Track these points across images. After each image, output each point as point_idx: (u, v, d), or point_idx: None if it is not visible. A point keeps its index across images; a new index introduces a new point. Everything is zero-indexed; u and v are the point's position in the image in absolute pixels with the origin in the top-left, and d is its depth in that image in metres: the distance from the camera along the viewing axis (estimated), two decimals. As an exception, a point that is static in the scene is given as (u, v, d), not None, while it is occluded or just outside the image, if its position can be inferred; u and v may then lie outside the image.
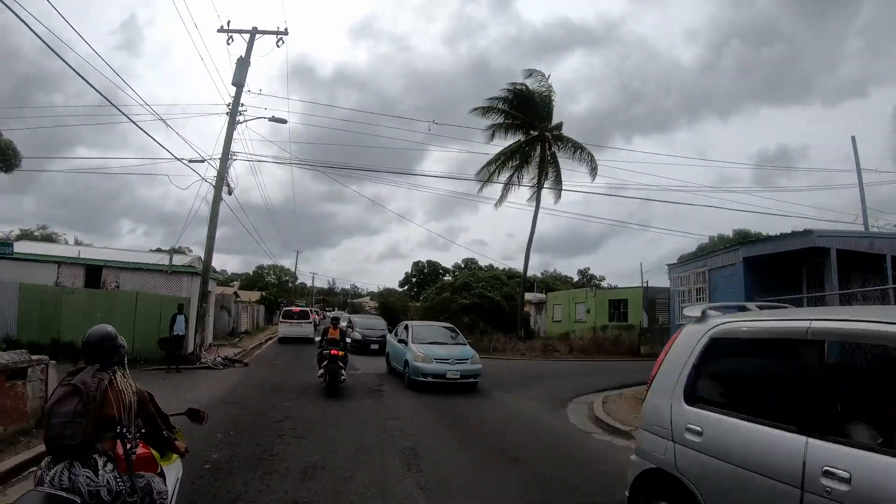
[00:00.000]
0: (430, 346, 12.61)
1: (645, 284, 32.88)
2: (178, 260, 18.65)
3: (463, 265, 70.31)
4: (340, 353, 11.17)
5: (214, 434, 6.73)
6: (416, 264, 72.86)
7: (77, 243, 35.04)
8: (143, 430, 3.06)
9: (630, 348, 25.59)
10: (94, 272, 16.84)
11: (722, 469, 2.90)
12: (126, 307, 15.04)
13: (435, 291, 31.96)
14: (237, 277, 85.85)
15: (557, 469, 6.26)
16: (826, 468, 2.34)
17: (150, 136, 18.52)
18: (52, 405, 2.56)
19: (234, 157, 17.29)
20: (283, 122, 18.31)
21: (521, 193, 29.96)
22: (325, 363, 11.09)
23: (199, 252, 17.14)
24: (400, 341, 13.70)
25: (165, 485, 3.05)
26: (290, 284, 72.62)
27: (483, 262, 62.76)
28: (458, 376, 11.81)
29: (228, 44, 17.03)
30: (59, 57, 10.53)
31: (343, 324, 25.44)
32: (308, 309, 31.54)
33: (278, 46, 17.90)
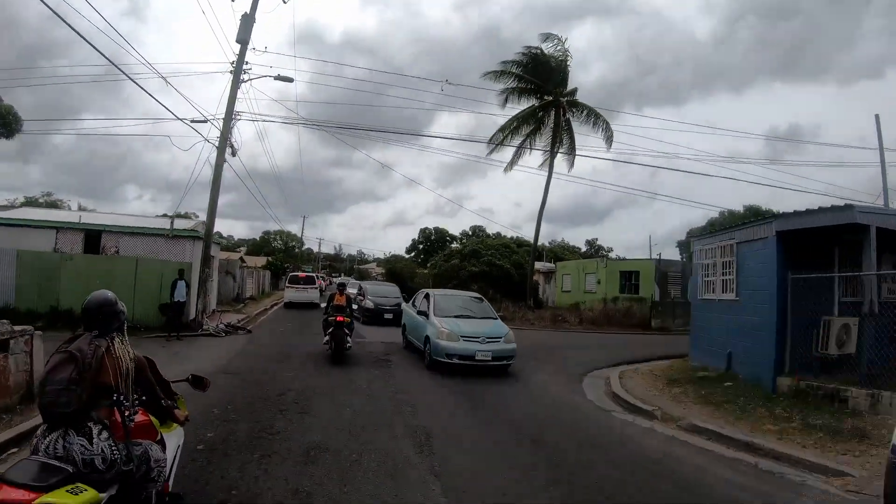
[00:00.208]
0: (455, 320, 10.85)
1: (657, 257, 32.27)
2: (183, 225, 18.10)
3: (470, 232, 69.75)
4: (346, 319, 10.98)
5: (211, 409, 6.25)
6: (423, 231, 72.37)
7: (80, 209, 34.50)
8: (142, 398, 3.01)
9: (641, 321, 25.09)
10: (93, 237, 16.29)
11: None
12: (126, 273, 14.58)
13: (443, 258, 31.40)
14: (244, 243, 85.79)
15: (583, 453, 5.78)
16: None
17: (151, 94, 17.83)
18: (46, 373, 2.52)
19: (238, 117, 16.56)
20: (289, 80, 17.46)
21: (531, 160, 29.10)
22: (330, 330, 10.91)
23: (205, 217, 16.62)
24: (420, 313, 11.88)
25: (165, 453, 3.02)
26: (296, 250, 72.36)
27: (491, 230, 62.18)
28: (490, 358, 10.08)
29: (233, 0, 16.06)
30: (64, 21, 9.68)
31: (351, 290, 24.90)
32: (314, 274, 31.76)
33: (285, 2, 16.98)
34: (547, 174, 27.51)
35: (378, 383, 8.81)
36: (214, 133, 15.99)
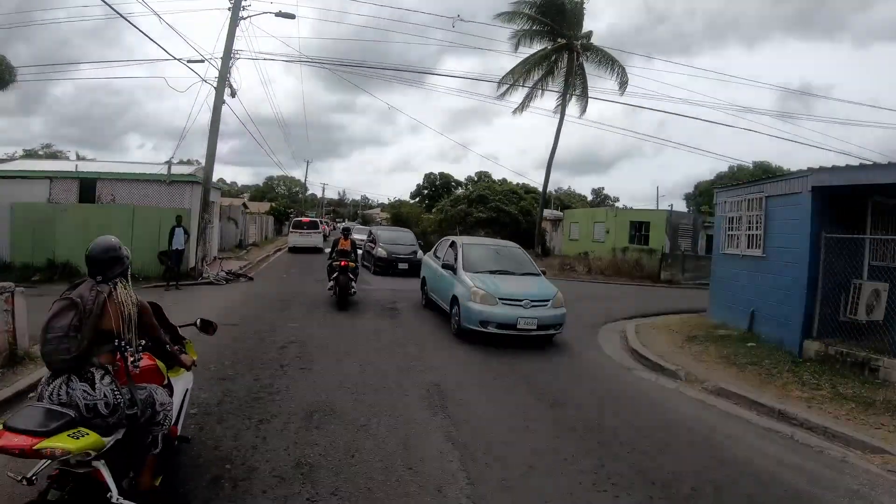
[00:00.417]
0: (490, 277, 8.89)
1: (669, 208, 31.49)
2: (183, 171, 17.38)
3: (476, 178, 68.52)
4: (351, 264, 10.80)
5: (207, 366, 5.76)
6: (427, 176, 70.97)
7: (79, 159, 33.63)
8: (147, 343, 3.02)
9: (650, 273, 24.65)
10: (88, 186, 15.61)
11: None
12: (122, 222, 13.94)
13: (450, 203, 30.58)
14: (247, 189, 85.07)
15: (609, 418, 5.32)
16: None
17: (145, 33, 16.55)
18: (48, 320, 2.51)
19: (237, 56, 15.51)
20: (291, 17, 16.20)
21: (541, 104, 27.88)
22: (335, 275, 10.70)
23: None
24: (445, 267, 9.94)
25: (171, 397, 3.04)
26: (300, 196, 71.54)
27: (496, 176, 60.96)
28: (535, 326, 8.07)
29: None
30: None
31: (358, 236, 24.36)
32: (318, 220, 31.44)
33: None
34: (558, 119, 26.42)
35: (385, 336, 8.36)
36: (212, 74, 15.08)
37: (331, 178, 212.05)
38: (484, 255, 9.86)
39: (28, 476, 2.36)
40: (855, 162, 8.40)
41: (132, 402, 2.60)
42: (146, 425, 2.76)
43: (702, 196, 60.38)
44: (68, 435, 2.28)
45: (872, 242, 8.75)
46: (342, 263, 10.70)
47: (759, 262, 10.42)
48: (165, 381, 3.14)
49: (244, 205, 39.83)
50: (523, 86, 25.92)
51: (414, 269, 16.23)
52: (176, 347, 3.30)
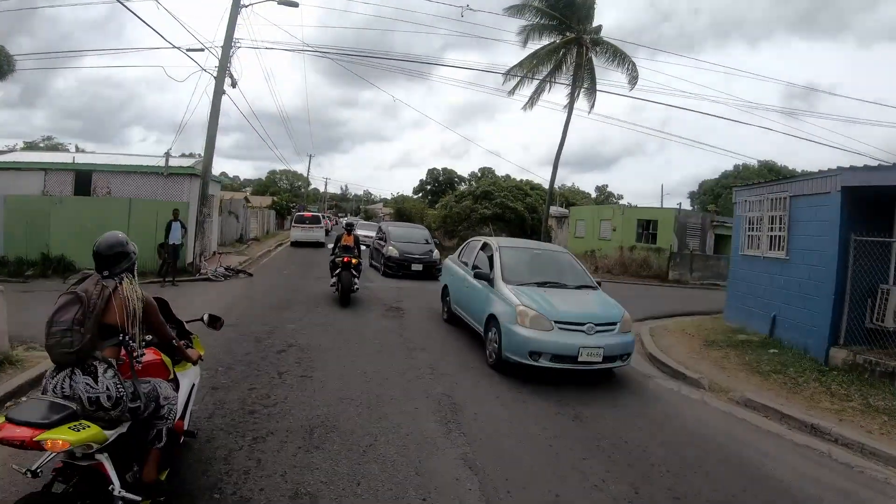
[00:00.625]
0: (538, 291, 6.93)
1: (678, 206, 30.99)
2: (183, 163, 16.90)
3: (479, 174, 68.13)
4: (354, 260, 10.53)
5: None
6: (430, 171, 70.79)
7: (77, 151, 33.18)
8: (152, 338, 3.04)
9: (658, 272, 24.25)
10: (83, 178, 15.18)
11: None
12: (119, 215, 13.49)
13: (454, 199, 29.99)
14: (250, 184, 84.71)
15: (635, 433, 4.88)
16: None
17: (142, 19, 16.08)
18: (52, 314, 2.52)
19: (238, 45, 14.99)
20: (295, 4, 15.71)
21: (546, 101, 27.38)
22: (337, 271, 10.53)
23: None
24: (478, 276, 7.80)
25: (177, 391, 3.07)
26: (302, 190, 71.14)
27: (500, 172, 60.50)
28: (600, 358, 6.19)
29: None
30: None
31: (363, 232, 23.71)
32: (320, 214, 31.64)
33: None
34: (567, 114, 25.83)
35: (391, 339, 7.87)
36: (212, 63, 14.58)
37: (333, 173, 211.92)
38: (527, 263, 7.93)
39: (32, 468, 2.34)
40: (859, 161, 7.96)
41: (135, 396, 2.60)
42: (150, 419, 2.76)
43: (706, 195, 59.93)
44: (69, 427, 2.28)
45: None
46: (345, 260, 10.45)
47: (782, 264, 9.96)
48: (171, 376, 3.16)
49: (246, 199, 39.46)
50: (534, 77, 25.34)
51: (429, 270, 15.36)
52: (182, 342, 3.28)
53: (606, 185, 74.26)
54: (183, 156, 22.36)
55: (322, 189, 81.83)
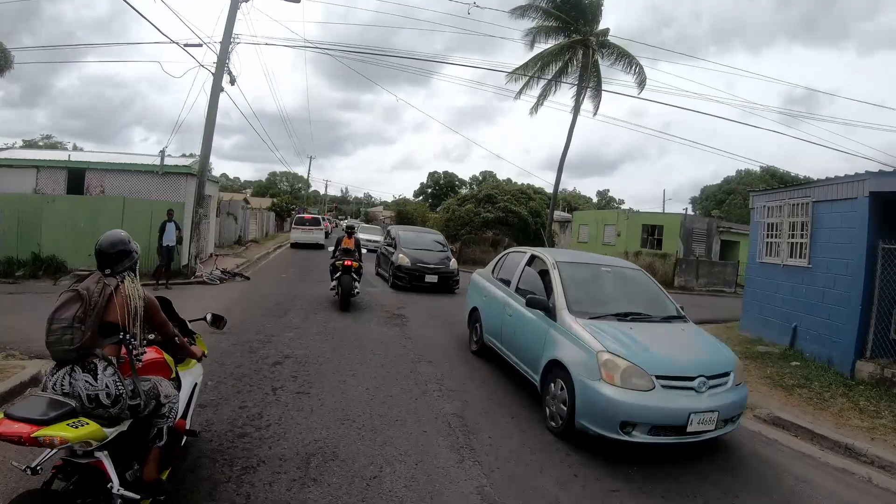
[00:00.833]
0: (620, 328, 5.01)
1: (685, 211, 30.58)
2: (180, 163, 16.44)
3: (480, 178, 67.79)
4: (355, 264, 10.30)
5: (185, 388, 4.87)
6: (431, 175, 70.51)
7: (75, 150, 32.77)
8: (156, 336, 3.05)
9: (664, 278, 23.72)
10: (76, 176, 14.74)
11: None
12: (112, 215, 13.03)
13: (457, 202, 29.41)
14: (250, 185, 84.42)
15: (663, 454, 4.42)
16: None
17: (137, 10, 15.41)
18: (53, 311, 2.51)
19: (237, 41, 14.57)
20: (296, 0, 15.35)
21: (549, 104, 26.99)
22: (337, 275, 10.29)
23: (211, 158, 14.97)
24: (531, 304, 5.67)
25: (179, 390, 3.07)
26: (302, 192, 70.76)
27: (500, 176, 60.09)
28: (713, 426, 4.48)
29: None
30: None
31: (362, 235, 23.08)
32: (320, 216, 31.56)
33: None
34: (572, 117, 25.43)
35: (394, 349, 7.35)
36: (211, 60, 14.15)
37: (333, 175, 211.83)
38: (595, 285, 5.94)
39: (32, 466, 2.28)
40: (861, 166, 7.58)
41: (135, 394, 2.57)
42: (150, 417, 2.74)
43: (708, 200, 59.58)
44: (68, 424, 2.26)
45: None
46: (346, 263, 10.18)
47: (803, 272, 9.52)
48: (173, 375, 3.13)
49: (245, 200, 39.02)
50: (540, 77, 24.93)
51: (445, 282, 13.57)
52: (186, 340, 3.27)
53: (608, 190, 74.03)
54: (183, 156, 21.95)
55: (322, 191, 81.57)
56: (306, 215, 29.90)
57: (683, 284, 23.52)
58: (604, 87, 25.50)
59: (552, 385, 4.97)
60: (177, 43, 12.82)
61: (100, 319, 2.53)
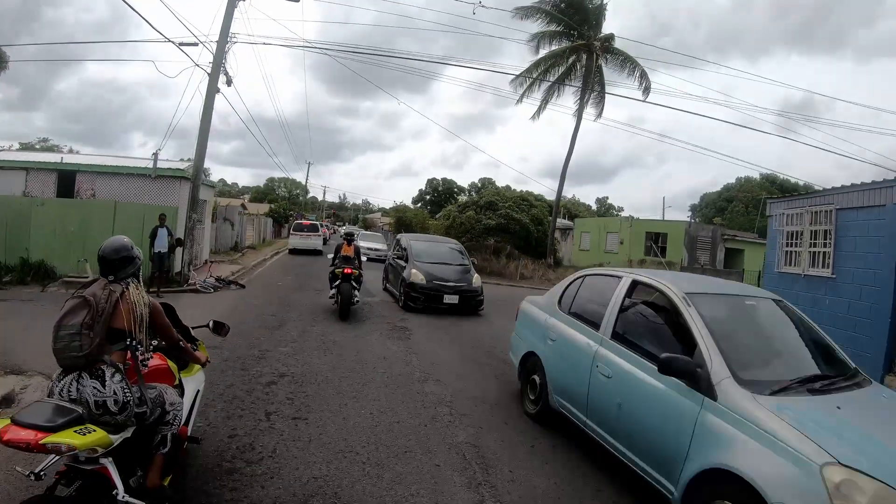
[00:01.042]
0: (820, 404, 3.15)
1: (689, 219, 30.19)
2: (174, 166, 15.97)
3: (479, 185, 67.46)
4: (355, 272, 10.02)
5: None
6: (430, 181, 70.22)
7: (71, 153, 32.34)
8: (160, 343, 3.07)
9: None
10: (66, 179, 14.26)
11: None
12: (103, 219, 12.51)
13: (457, 209, 28.95)
14: (248, 191, 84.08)
15: None
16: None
17: (134, 9, 14.88)
18: (60, 317, 2.49)
19: (234, 40, 14.12)
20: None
21: (551, 109, 26.69)
22: (337, 283, 10.03)
23: (207, 164, 14.59)
24: (669, 367, 3.36)
25: (182, 397, 3.09)
26: (300, 198, 70.31)
27: (500, 183, 59.67)
28: None
29: None
30: None
31: (363, 243, 22.40)
32: (318, 222, 31.38)
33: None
34: (575, 122, 25.10)
35: (397, 367, 6.79)
36: (206, 59, 13.75)
37: (332, 182, 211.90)
38: (749, 331, 4.08)
39: (36, 471, 2.29)
40: (862, 173, 7.17)
41: (141, 401, 2.58)
42: (155, 424, 2.74)
43: (708, 207, 59.32)
44: (75, 431, 2.24)
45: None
46: (346, 271, 9.90)
47: (826, 283, 9.07)
48: (176, 382, 3.13)
49: (243, 205, 38.51)
50: (543, 80, 24.60)
51: (467, 302, 11.49)
52: (189, 346, 3.23)
53: (607, 197, 73.84)
54: (182, 160, 21.50)
55: (320, 197, 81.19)
56: (304, 221, 29.79)
57: (688, 293, 23.03)
58: (607, 90, 25.22)
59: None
60: (171, 41, 12.37)
61: (107, 326, 2.51)
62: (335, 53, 21.82)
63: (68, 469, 2.38)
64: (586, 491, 3.85)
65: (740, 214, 44.99)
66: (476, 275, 12.18)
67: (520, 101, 24.97)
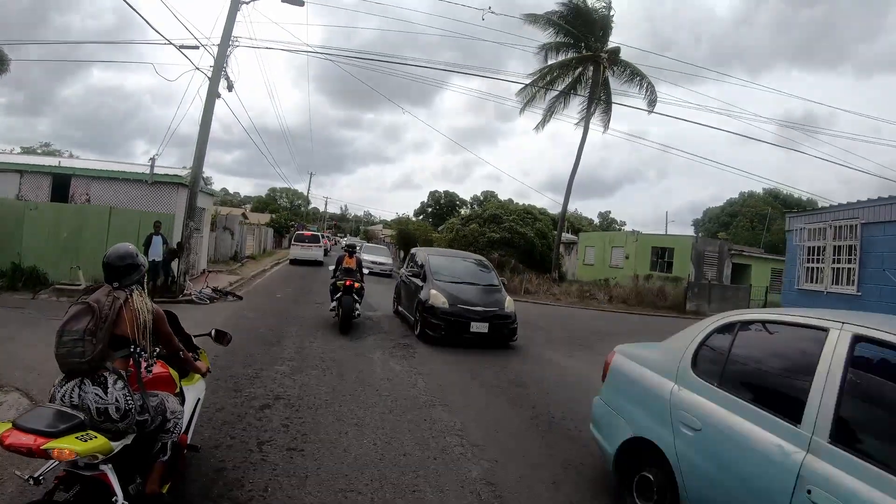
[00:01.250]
0: None
1: (696, 234, 29.81)
2: (171, 173, 15.64)
3: (482, 198, 67.23)
4: (356, 284, 9.78)
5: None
6: (432, 194, 70.16)
7: (71, 157, 32.20)
8: (161, 351, 3.04)
9: (675, 303, 22.88)
10: (61, 183, 13.94)
11: None
12: (97, 225, 12.21)
13: (461, 222, 28.58)
14: (250, 200, 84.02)
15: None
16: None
17: (135, 9, 14.57)
18: (64, 323, 2.49)
19: (236, 43, 13.82)
20: (300, 3, 14.66)
21: (555, 122, 26.52)
22: (338, 295, 9.76)
23: (209, 173, 14.32)
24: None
25: (183, 405, 3.06)
26: (302, 209, 70.09)
27: (502, 196, 59.40)
28: None
29: None
30: None
31: (367, 256, 21.77)
32: (319, 233, 31.23)
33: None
34: (582, 134, 24.84)
35: (402, 390, 6.28)
36: (207, 63, 13.44)
37: (333, 193, 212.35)
38: None
39: (35, 476, 2.25)
40: (857, 187, 6.73)
41: (143, 409, 2.56)
42: (156, 432, 2.72)
43: (711, 222, 58.94)
44: (76, 437, 2.23)
45: None
46: (347, 283, 9.66)
47: (851, 300, 8.64)
48: (177, 390, 3.12)
49: (244, 215, 38.25)
50: (551, 88, 24.39)
51: (498, 331, 9.28)
52: (190, 354, 3.24)
53: (609, 211, 73.60)
54: (184, 168, 21.21)
55: (322, 208, 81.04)
56: (306, 232, 29.74)
57: (695, 310, 22.54)
58: (614, 100, 25.01)
59: None
60: (172, 43, 12.05)
61: (110, 332, 2.50)
62: (339, 59, 21.51)
63: (68, 474, 2.37)
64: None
65: (745, 229, 44.60)
66: (508, 297, 10.15)
67: (523, 110, 24.78)
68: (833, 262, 9.20)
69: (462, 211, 58.16)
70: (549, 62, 24.32)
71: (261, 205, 76.07)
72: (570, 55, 24.39)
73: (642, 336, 13.38)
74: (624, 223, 72.67)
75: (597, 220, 76.13)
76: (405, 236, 31.44)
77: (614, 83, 25.08)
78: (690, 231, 56.95)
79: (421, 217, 64.72)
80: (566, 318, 15.61)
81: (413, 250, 13.05)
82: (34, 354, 6.06)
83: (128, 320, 2.57)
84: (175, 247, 12.24)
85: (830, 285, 9.19)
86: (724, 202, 58.73)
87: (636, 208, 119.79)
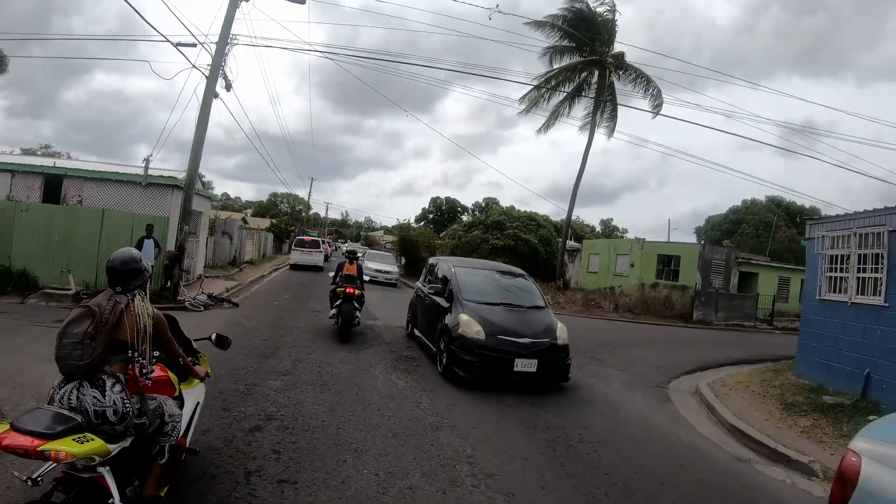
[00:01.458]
0: None
1: (699, 241, 29.42)
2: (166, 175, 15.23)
3: (484, 204, 66.98)
4: (357, 291, 9.49)
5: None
6: (434, 200, 70.02)
7: (69, 158, 31.96)
8: (161, 355, 3.04)
9: (681, 312, 22.44)
10: (53, 184, 13.58)
11: None
12: (90, 227, 11.84)
13: (463, 229, 28.21)
14: (250, 205, 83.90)
15: None
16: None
17: (133, 7, 14.16)
18: (64, 326, 2.51)
19: (235, 41, 13.44)
20: (301, 1, 14.33)
21: (558, 127, 26.25)
22: (338, 302, 9.52)
23: (211, 177, 13.97)
24: None
25: (181, 409, 3.08)
26: (302, 214, 69.79)
27: (503, 203, 59.08)
28: None
29: None
30: None
31: (371, 264, 21.10)
32: (319, 239, 31.13)
33: None
34: (587, 140, 24.48)
35: (406, 409, 5.80)
36: (204, 61, 13.05)
37: (334, 198, 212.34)
38: None
39: (33, 477, 2.26)
40: (858, 195, 6.40)
41: (141, 412, 2.58)
42: (154, 435, 2.73)
43: (714, 230, 58.45)
44: (73, 439, 2.24)
45: None
46: (348, 290, 9.38)
47: (878, 312, 8.22)
48: (177, 394, 3.12)
49: (244, 219, 37.93)
50: (554, 90, 24.05)
51: (549, 370, 7.19)
52: (190, 359, 3.24)
53: (611, 219, 73.31)
54: (183, 171, 20.84)
55: (323, 214, 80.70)
56: (306, 237, 29.65)
57: (702, 319, 22.14)
58: (619, 103, 24.70)
59: None
60: (168, 40, 11.68)
61: (110, 336, 2.50)
62: (340, 59, 21.18)
63: (65, 476, 2.37)
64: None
65: (750, 237, 44.11)
66: (559, 322, 8.02)
67: (528, 111, 24.42)
68: (858, 272, 8.75)
69: (464, 217, 57.84)
70: (554, 66, 24.00)
71: (262, 210, 75.92)
72: (575, 59, 24.08)
73: (654, 348, 13.02)
74: (626, 231, 72.39)
75: (599, 228, 75.80)
76: (407, 242, 30.92)
77: (620, 89, 24.79)
78: (693, 239, 56.55)
79: (422, 223, 64.38)
80: (572, 328, 15.17)
81: (432, 260, 10.90)
82: (10, 366, 5.62)
83: (128, 325, 2.56)
84: (177, 251, 11.83)
85: (855, 295, 8.75)
86: (726, 210, 58.24)
87: (638, 216, 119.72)
